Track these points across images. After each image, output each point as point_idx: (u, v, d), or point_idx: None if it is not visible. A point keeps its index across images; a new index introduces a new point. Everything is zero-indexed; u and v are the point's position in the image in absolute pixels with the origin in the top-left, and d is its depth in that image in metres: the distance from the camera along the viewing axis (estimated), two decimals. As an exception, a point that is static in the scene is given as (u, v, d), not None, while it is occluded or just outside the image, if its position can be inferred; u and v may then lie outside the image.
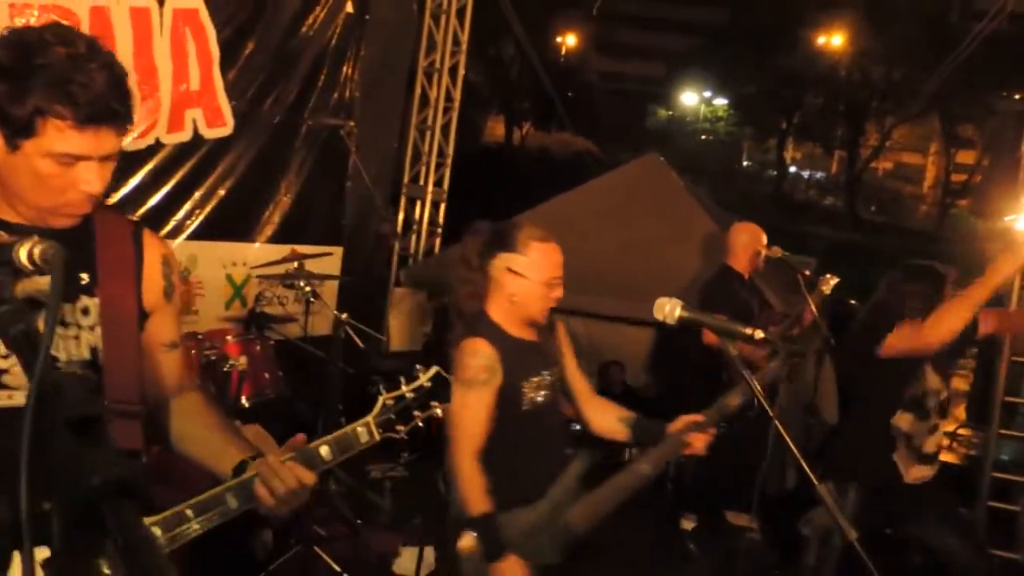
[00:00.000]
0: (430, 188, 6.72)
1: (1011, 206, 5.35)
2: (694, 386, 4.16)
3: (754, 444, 4.15)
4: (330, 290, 5.21)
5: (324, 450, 1.57)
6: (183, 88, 4.52)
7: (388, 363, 5.31)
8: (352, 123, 5.06)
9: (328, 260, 5.04)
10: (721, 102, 31.01)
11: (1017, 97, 23.55)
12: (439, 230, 6.84)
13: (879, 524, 3.34)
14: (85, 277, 1.55)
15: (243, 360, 3.53)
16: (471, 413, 2.27)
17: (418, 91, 6.59)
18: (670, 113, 33.27)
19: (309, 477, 1.53)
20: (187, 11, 4.47)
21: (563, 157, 23.25)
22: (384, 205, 5.75)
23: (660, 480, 5.12)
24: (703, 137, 32.15)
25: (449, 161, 6.79)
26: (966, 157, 29.29)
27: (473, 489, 2.24)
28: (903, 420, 3.20)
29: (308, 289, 4.13)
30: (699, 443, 2.30)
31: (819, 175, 32.86)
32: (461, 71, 6.66)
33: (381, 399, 1.61)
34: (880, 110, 26.67)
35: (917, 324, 3.06)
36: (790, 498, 4.39)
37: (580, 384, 2.65)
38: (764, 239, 4.24)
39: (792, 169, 32.31)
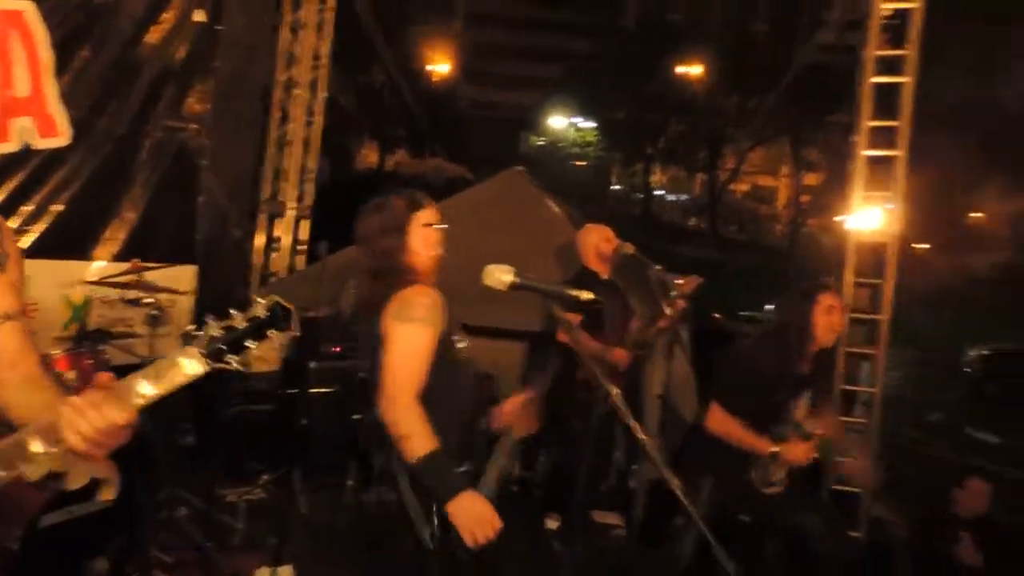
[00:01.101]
0: (292, 205, 6.55)
1: (842, 208, 5.76)
2: (563, 398, 4.19)
3: (610, 441, 4.25)
4: (182, 309, 4.96)
5: (140, 384, 1.45)
6: (8, 94, 4.22)
7: (245, 383, 5.09)
8: (195, 126, 4.86)
9: (180, 278, 4.80)
10: (590, 125, 32.10)
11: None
12: (303, 248, 6.67)
13: (734, 510, 3.46)
14: None
15: (72, 375, 3.30)
16: (421, 352, 2.30)
17: (277, 105, 6.45)
18: (541, 141, 34.14)
19: (120, 414, 1.43)
20: (11, 12, 4.18)
21: (436, 183, 23.36)
22: (241, 220, 5.56)
23: (526, 482, 5.16)
24: (574, 162, 33.14)
25: (312, 177, 6.65)
26: (813, 179, 31.56)
27: (422, 428, 2.21)
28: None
29: (152, 305, 3.91)
30: (511, 416, 2.35)
31: (683, 197, 34.52)
32: (322, 86, 6.56)
33: (207, 328, 1.50)
34: (736, 135, 28.38)
35: (718, 413, 3.27)
36: (656, 492, 4.50)
37: None
38: (613, 236, 4.34)
39: (658, 192, 33.76)
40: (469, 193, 6.68)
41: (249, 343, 1.52)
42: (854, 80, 5.67)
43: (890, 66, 5.55)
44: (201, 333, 1.49)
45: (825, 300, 3.37)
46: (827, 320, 3.35)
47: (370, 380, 2.38)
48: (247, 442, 4.69)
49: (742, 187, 34.31)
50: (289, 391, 4.56)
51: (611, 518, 4.57)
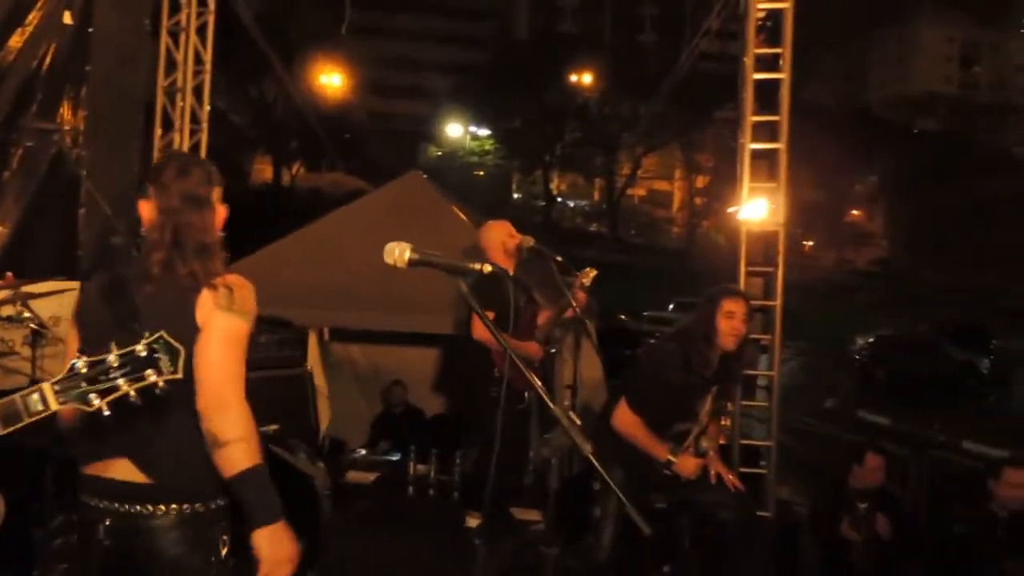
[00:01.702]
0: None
1: (731, 196, 6.00)
2: (477, 404, 4.17)
3: (526, 438, 4.26)
4: (69, 328, 4.66)
5: None
6: None
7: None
8: (68, 129, 4.60)
9: (62, 295, 4.52)
10: (487, 134, 32.37)
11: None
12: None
13: (647, 497, 3.53)
14: None
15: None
16: (244, 348, 1.98)
17: (159, 112, 6.17)
18: (440, 152, 34.16)
19: None
20: None
21: (335, 197, 22.99)
22: (127, 232, 5.28)
23: (444, 485, 5.11)
24: (474, 172, 33.30)
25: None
26: (704, 182, 32.81)
27: (254, 435, 1.90)
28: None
29: (32, 321, 3.67)
30: None
31: (583, 203, 35.21)
32: (207, 91, 6.33)
33: (70, 363, 1.41)
34: (630, 141, 29.23)
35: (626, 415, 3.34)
36: (575, 488, 4.53)
37: None
38: (515, 231, 4.35)
39: (559, 199, 34.32)
40: (370, 198, 6.60)
41: (122, 383, 1.42)
42: (736, 83, 5.94)
43: (768, 64, 5.84)
44: (65, 368, 1.40)
45: (727, 305, 3.46)
46: (728, 324, 3.44)
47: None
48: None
49: (639, 192, 35.33)
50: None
51: (531, 514, 4.57)
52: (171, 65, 6.21)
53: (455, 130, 32.28)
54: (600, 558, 3.38)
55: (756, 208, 5.74)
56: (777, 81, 5.80)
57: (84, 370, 1.41)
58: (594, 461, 1.63)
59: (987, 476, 4.23)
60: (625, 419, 3.38)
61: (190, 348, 1.80)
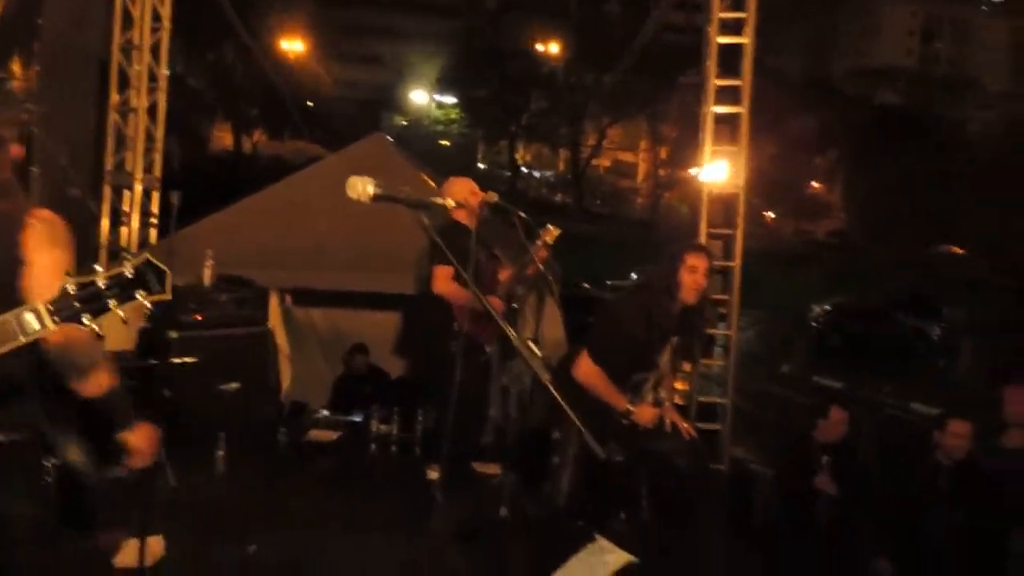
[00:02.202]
0: (139, 175, 6.17)
1: (694, 161, 6.08)
2: (437, 359, 4.19)
3: (485, 393, 4.32)
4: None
5: None
6: None
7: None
8: (15, 81, 4.47)
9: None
10: (451, 102, 32.05)
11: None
12: (153, 220, 6.30)
13: (604, 443, 3.62)
14: None
15: None
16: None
17: (115, 70, 6.02)
18: (405, 121, 33.80)
19: None
20: None
21: (298, 165, 22.64)
22: (86, 194, 5.18)
23: (406, 443, 5.16)
24: (439, 142, 33.02)
25: (160, 147, 6.28)
26: (667, 153, 32.98)
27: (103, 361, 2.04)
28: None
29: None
30: None
31: (549, 174, 35.18)
32: (164, 48, 6.19)
33: (61, 284, 1.39)
34: (595, 112, 29.20)
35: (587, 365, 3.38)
36: (535, 441, 4.60)
37: None
38: (477, 188, 4.35)
39: (524, 169, 34.25)
40: (332, 159, 6.55)
41: (112, 304, 1.41)
42: (701, 51, 5.99)
43: (732, 29, 5.90)
44: (58, 289, 1.39)
45: (690, 259, 3.56)
46: (691, 279, 3.53)
47: None
48: (102, 421, 4.42)
49: (604, 163, 35.37)
50: (150, 362, 4.33)
51: (491, 468, 4.64)
52: (128, 22, 6.06)
53: (420, 97, 31.94)
54: (559, 503, 3.47)
55: (717, 170, 5.84)
56: (740, 46, 5.88)
57: (74, 291, 1.39)
58: (552, 389, 1.68)
59: (933, 429, 4.43)
60: (586, 369, 3.45)
61: None
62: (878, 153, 27.60)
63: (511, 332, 1.77)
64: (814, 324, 20.20)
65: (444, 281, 4.03)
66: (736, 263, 5.92)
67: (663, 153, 32.58)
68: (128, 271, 1.43)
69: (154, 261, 1.46)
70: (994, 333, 16.85)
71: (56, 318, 1.38)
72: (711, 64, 5.88)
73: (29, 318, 1.37)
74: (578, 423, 1.79)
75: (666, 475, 3.77)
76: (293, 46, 23.67)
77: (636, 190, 35.86)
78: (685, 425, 3.67)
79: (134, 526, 3.50)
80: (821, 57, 44.36)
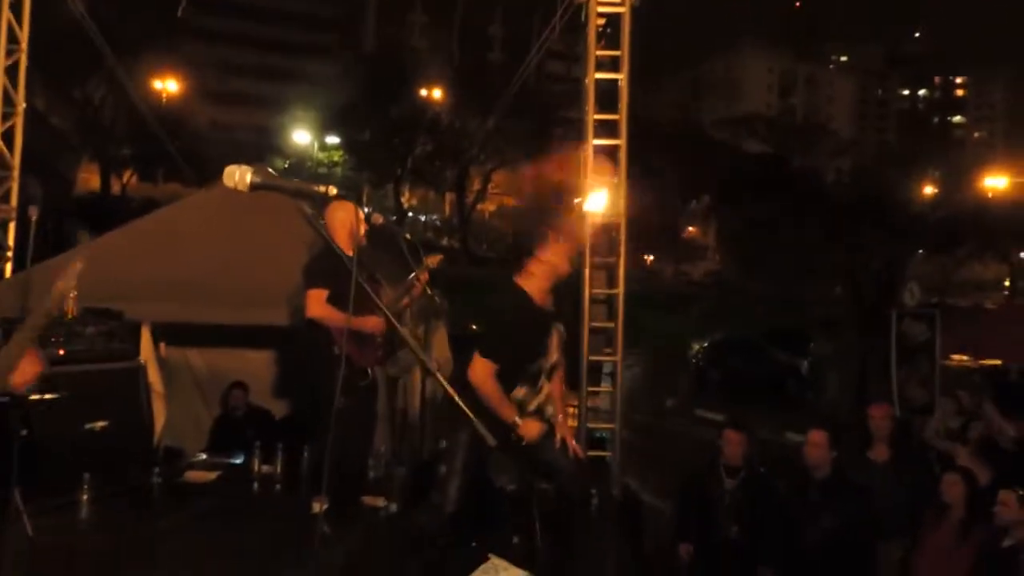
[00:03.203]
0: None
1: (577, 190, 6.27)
2: (318, 387, 4.07)
3: (371, 415, 4.21)
4: None
5: None
6: None
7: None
8: None
9: None
10: (333, 140, 31.72)
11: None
12: (8, 254, 5.87)
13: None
14: None
15: None
16: None
17: (-32, 92, 5.65)
18: (287, 163, 33.18)
19: None
20: None
21: (173, 207, 21.73)
22: None
23: (292, 480, 4.94)
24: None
25: (16, 175, 5.89)
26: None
27: None
28: (519, 392, 3.51)
29: None
30: None
31: (434, 217, 35.29)
32: (22, 71, 5.86)
33: None
34: (480, 157, 29.63)
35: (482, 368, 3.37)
36: (425, 475, 4.51)
37: None
38: (361, 214, 4.30)
39: (410, 213, 34.19)
40: (206, 192, 6.31)
41: None
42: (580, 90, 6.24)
43: (608, 68, 6.18)
44: None
45: (553, 236, 3.61)
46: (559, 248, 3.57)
47: None
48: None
49: (489, 207, 35.81)
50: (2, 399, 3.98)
51: (380, 501, 4.52)
52: (-20, 42, 5.72)
53: (302, 138, 31.46)
54: (448, 511, 3.40)
55: (598, 200, 6.03)
56: (616, 82, 6.15)
57: None
58: (439, 377, 1.66)
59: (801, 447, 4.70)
60: (479, 370, 3.40)
61: None
62: (745, 197, 29.24)
63: (395, 323, 1.74)
64: (694, 360, 21.03)
65: (318, 304, 3.93)
66: (620, 290, 6.09)
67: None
68: None
69: None
70: (854, 364, 17.98)
71: None
72: (590, 99, 6.11)
73: None
74: (470, 414, 1.76)
75: (555, 498, 3.78)
76: (167, 85, 22.88)
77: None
78: (573, 443, 3.68)
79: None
80: (689, 110, 47.06)
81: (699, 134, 37.74)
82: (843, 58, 74.90)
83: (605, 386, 6.38)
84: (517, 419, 3.41)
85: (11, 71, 5.87)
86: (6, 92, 5.82)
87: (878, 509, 4.56)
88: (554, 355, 3.59)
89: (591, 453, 5.92)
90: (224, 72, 28.00)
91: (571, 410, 7.48)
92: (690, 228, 41.12)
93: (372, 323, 3.97)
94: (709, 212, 37.29)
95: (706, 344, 21.29)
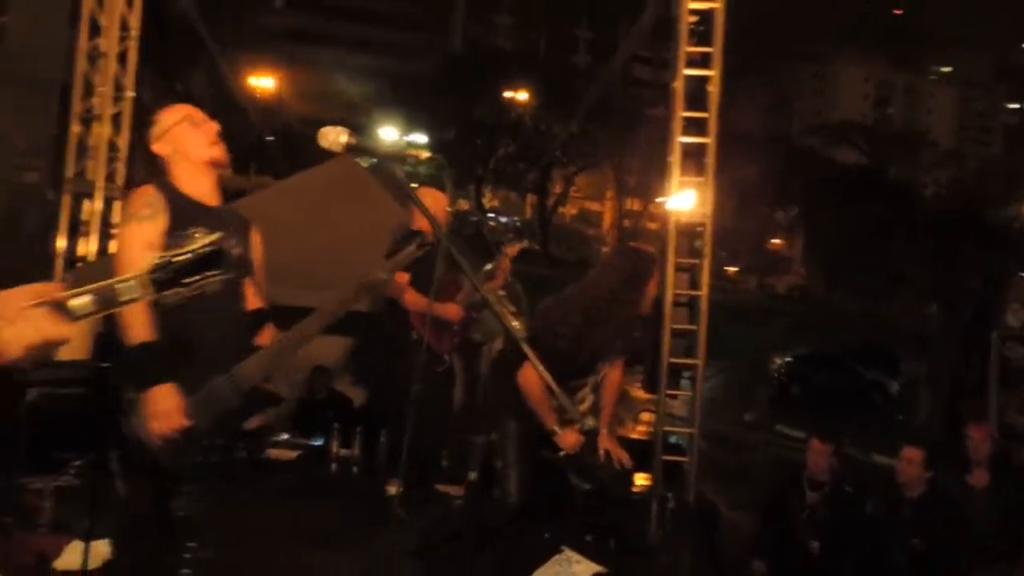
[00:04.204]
0: (100, 184, 6.04)
1: (662, 189, 6.16)
2: (396, 371, 4.11)
3: (448, 401, 4.22)
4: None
5: (77, 301, 1.37)
6: None
7: (48, 372, 4.61)
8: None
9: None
10: (421, 139, 32.20)
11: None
12: (114, 230, 6.14)
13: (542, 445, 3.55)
14: None
15: None
16: (137, 243, 2.34)
17: (80, 77, 5.92)
18: (373, 160, 33.84)
19: (52, 329, 1.34)
20: None
21: (264, 199, 22.42)
22: (44, 183, 5.02)
23: (369, 464, 5.01)
24: (409, 184, 32.96)
25: (123, 156, 6.17)
26: (633, 204, 33.51)
27: (142, 318, 2.25)
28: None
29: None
30: None
31: (515, 219, 35.43)
32: (132, 58, 6.13)
33: (151, 258, 1.44)
34: (563, 159, 29.61)
35: (532, 373, 3.29)
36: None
37: None
38: (446, 202, 4.33)
39: (491, 214, 34.45)
40: (298, 178, 6.49)
41: (190, 278, 1.47)
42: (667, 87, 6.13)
43: (699, 65, 6.05)
44: (152, 259, 1.44)
45: (652, 283, 3.55)
46: (651, 297, 3.54)
47: None
48: (52, 429, 4.26)
49: (570, 210, 35.76)
50: (103, 365, 4.17)
51: (453, 489, 4.53)
52: (94, 30, 6.00)
53: (389, 134, 32.06)
54: (512, 503, 3.38)
55: (684, 199, 5.90)
56: (704, 83, 6.02)
57: (165, 262, 1.44)
58: (522, 343, 1.63)
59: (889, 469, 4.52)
60: (530, 376, 3.35)
61: None
62: (835, 208, 28.34)
63: (479, 285, 1.73)
64: (775, 374, 20.47)
65: (401, 288, 3.97)
66: (703, 292, 5.94)
67: (628, 204, 33.09)
68: (203, 248, 1.48)
69: (221, 245, 1.52)
70: (947, 385, 17.19)
71: (154, 287, 1.42)
72: (678, 95, 5.99)
73: (127, 285, 1.40)
74: (523, 343, 1.73)
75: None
76: (261, 83, 23.68)
77: (601, 238, 36.26)
78: (620, 453, 3.61)
79: (81, 533, 3.34)
80: (779, 117, 45.86)
81: (787, 142, 36.78)
82: (945, 68, 71.78)
83: (684, 390, 6.24)
84: (556, 428, 3.38)
85: (121, 56, 6.15)
86: (116, 76, 6.10)
87: (977, 535, 4.33)
88: (601, 374, 3.54)
89: (666, 458, 5.80)
90: (315, 71, 28.83)
91: (646, 415, 7.39)
92: (775, 239, 40.07)
93: (451, 311, 3.99)
94: (796, 223, 36.31)
95: (789, 359, 20.70)
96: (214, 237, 1.51)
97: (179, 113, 2.60)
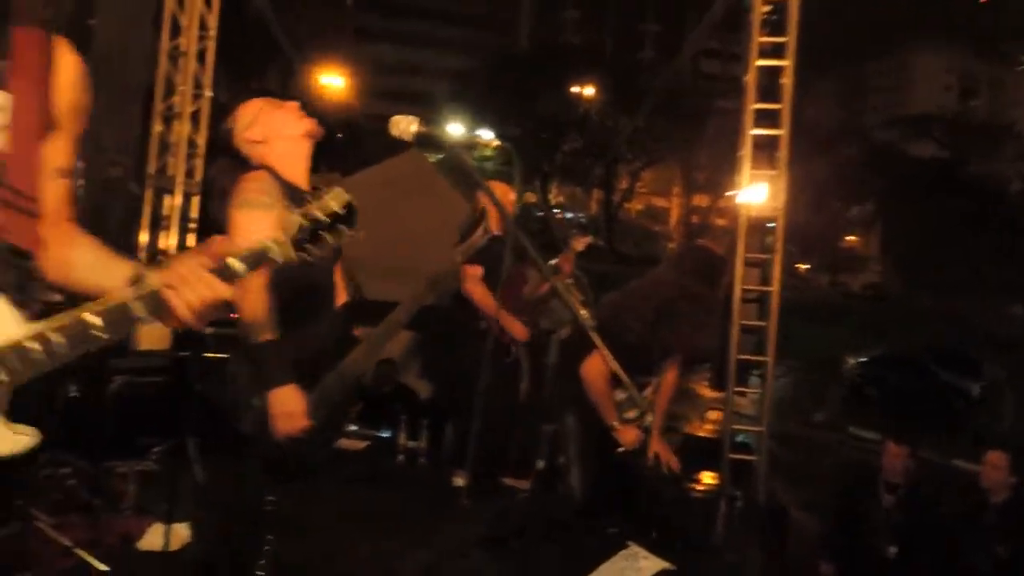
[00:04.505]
0: (180, 180, 6.27)
1: (732, 184, 6.03)
2: (463, 380, 4.14)
3: (515, 393, 4.23)
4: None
5: (234, 262, 1.43)
6: None
7: (131, 361, 4.81)
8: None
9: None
10: (486, 135, 32.30)
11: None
12: (193, 225, 6.37)
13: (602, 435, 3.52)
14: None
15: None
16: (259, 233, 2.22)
17: (162, 76, 6.16)
18: (439, 157, 34.19)
19: (223, 288, 1.40)
20: None
21: (333, 196, 22.83)
22: (128, 176, 5.22)
23: (435, 456, 5.07)
24: (473, 180, 33.21)
25: (201, 152, 6.38)
26: (700, 200, 32.99)
27: (266, 316, 2.25)
28: (619, 395, 3.43)
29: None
30: None
31: (581, 215, 35.31)
32: (211, 57, 6.33)
33: (295, 217, 1.48)
34: (629, 155, 29.34)
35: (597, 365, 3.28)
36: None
37: None
38: (512, 195, 4.32)
39: (556, 210, 34.43)
40: (367, 172, 6.60)
41: (326, 235, 1.50)
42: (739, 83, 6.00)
43: (772, 55, 5.91)
44: (292, 221, 1.48)
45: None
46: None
47: None
48: (135, 416, 4.44)
49: (636, 206, 35.43)
50: (182, 354, 4.33)
51: (520, 483, 4.54)
52: (175, 30, 6.22)
53: (456, 130, 32.35)
54: (578, 499, 3.38)
55: (756, 192, 5.77)
56: (776, 75, 5.87)
57: (305, 223, 1.48)
58: (590, 330, 1.62)
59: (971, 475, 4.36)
60: (593, 367, 3.34)
61: None
62: (914, 204, 27.32)
63: (548, 273, 1.73)
64: (849, 375, 19.88)
65: (473, 280, 4.00)
66: (774, 288, 5.81)
67: (696, 200, 32.60)
68: (338, 207, 1.51)
69: (352, 200, 1.54)
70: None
71: (295, 248, 1.46)
72: (751, 86, 5.86)
73: (274, 247, 1.45)
74: (592, 332, 1.72)
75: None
76: (331, 81, 24.16)
77: (668, 235, 35.82)
78: (670, 458, 3.56)
79: (162, 516, 3.47)
80: (854, 110, 44.40)
81: (863, 134, 35.63)
82: (1033, 58, 68.27)
83: (752, 387, 6.11)
84: (616, 423, 3.34)
85: (200, 54, 6.36)
86: (195, 74, 6.31)
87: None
88: (664, 388, 3.49)
89: (733, 456, 5.70)
90: (381, 70, 29.28)
91: (713, 414, 7.27)
92: (850, 236, 38.86)
93: (517, 329, 4.00)
94: (872, 219, 35.15)
95: (863, 359, 20.08)
96: (342, 193, 1.53)
97: (258, 102, 2.61)
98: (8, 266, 1.40)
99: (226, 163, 2.58)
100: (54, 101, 1.49)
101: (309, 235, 1.48)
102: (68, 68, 1.52)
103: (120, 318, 1.35)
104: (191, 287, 1.39)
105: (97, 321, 1.32)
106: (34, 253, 1.44)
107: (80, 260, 1.52)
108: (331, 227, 1.51)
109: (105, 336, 1.33)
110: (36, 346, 1.29)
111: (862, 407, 17.87)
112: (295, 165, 2.53)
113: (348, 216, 1.52)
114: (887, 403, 17.56)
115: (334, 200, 1.51)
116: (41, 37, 1.48)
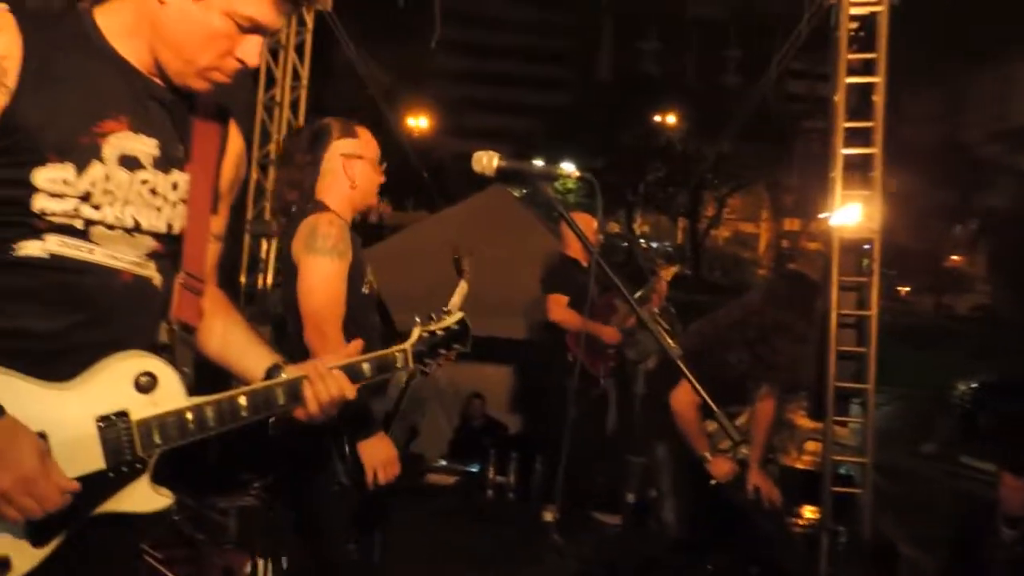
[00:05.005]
0: (275, 224, 6.54)
1: (823, 206, 5.85)
2: (552, 411, 4.14)
3: (603, 425, 4.18)
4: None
5: (365, 366, 1.56)
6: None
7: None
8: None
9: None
10: (568, 167, 32.45)
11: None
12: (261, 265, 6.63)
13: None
14: (181, 150, 1.47)
15: None
16: (338, 282, 2.27)
17: (258, 126, 6.47)
18: (522, 192, 34.54)
19: (350, 389, 1.52)
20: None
21: (421, 234, 23.33)
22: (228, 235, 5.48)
23: (524, 490, 5.04)
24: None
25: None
26: (790, 224, 32.09)
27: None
28: (710, 426, 3.34)
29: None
30: None
31: (667, 244, 34.89)
32: (303, 106, 6.63)
33: (417, 330, 1.61)
34: (714, 181, 28.88)
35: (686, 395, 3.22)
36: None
37: None
38: (595, 225, 4.32)
39: (641, 240, 34.13)
40: (454, 209, 6.71)
41: (442, 351, 1.64)
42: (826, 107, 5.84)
43: (861, 72, 5.74)
44: (412, 332, 1.61)
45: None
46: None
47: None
48: (235, 452, 4.59)
49: (723, 233, 34.75)
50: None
51: (611, 518, 4.48)
52: (270, 81, 6.55)
53: (538, 164, 32.59)
54: (672, 535, 3.28)
55: (849, 213, 5.58)
56: (867, 92, 5.69)
57: (425, 336, 1.63)
58: (680, 364, 1.59)
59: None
60: (683, 398, 3.28)
61: None
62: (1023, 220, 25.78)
63: (635, 303, 1.71)
64: (958, 402, 18.78)
65: (559, 307, 4.00)
66: (873, 312, 5.57)
67: (785, 224, 31.76)
68: (455, 324, 1.65)
69: (466, 319, 1.68)
70: None
71: (415, 360, 1.61)
72: (840, 104, 5.70)
73: (399, 355, 1.60)
74: (679, 362, 1.68)
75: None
76: (418, 122, 24.84)
77: (757, 261, 34.94)
78: (771, 491, 3.41)
79: (259, 548, 3.57)
80: (953, 125, 42.44)
81: (965, 150, 34.02)
82: None
83: (853, 417, 5.85)
84: (708, 455, 3.24)
85: (293, 104, 6.66)
86: (289, 123, 6.60)
87: None
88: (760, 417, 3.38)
89: (835, 489, 5.44)
90: (464, 108, 29.86)
91: (811, 444, 6.98)
92: (954, 256, 36.97)
93: (608, 333, 3.97)
94: (977, 238, 33.37)
95: (974, 385, 18.93)
96: (461, 314, 1.62)
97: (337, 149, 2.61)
98: (185, 344, 1.52)
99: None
100: (222, 176, 1.58)
101: (428, 349, 1.58)
102: (235, 147, 1.62)
103: (263, 402, 1.44)
104: (324, 382, 1.49)
105: (244, 403, 1.41)
106: (195, 327, 1.55)
107: (235, 341, 1.61)
108: (447, 343, 1.61)
109: (248, 417, 1.42)
110: (191, 417, 1.38)
111: (974, 436, 16.83)
112: (351, 212, 2.54)
113: (462, 333, 1.62)
114: (1001, 432, 16.48)
115: (452, 319, 1.61)
116: (217, 125, 1.57)
